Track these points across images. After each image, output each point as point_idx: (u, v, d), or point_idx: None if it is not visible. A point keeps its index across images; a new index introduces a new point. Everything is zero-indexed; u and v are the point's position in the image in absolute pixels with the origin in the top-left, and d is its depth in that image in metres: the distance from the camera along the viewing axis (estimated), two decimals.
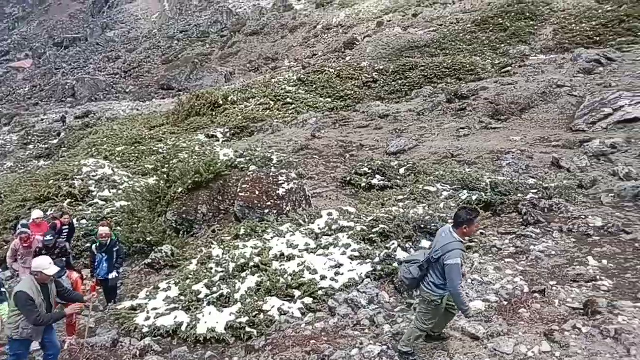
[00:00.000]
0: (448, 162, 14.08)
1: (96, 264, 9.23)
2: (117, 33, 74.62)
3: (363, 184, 12.98)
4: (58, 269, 6.35)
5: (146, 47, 65.03)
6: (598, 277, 7.33)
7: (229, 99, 25.85)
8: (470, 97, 19.27)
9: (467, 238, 5.63)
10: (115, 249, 9.32)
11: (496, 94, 18.70)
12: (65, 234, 10.98)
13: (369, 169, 13.43)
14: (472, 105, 18.63)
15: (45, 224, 10.69)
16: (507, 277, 7.42)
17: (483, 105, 18.44)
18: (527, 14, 28.81)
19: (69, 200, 13.67)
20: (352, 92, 24.92)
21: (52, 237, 8.99)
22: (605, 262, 7.88)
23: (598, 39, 24.17)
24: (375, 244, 8.95)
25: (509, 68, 22.84)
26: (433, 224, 9.14)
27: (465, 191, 11.16)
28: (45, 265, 6.11)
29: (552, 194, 10.91)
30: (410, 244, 8.85)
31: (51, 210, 12.83)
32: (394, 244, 8.81)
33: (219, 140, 20.07)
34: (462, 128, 16.90)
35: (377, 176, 13.16)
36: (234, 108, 24.75)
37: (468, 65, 23.98)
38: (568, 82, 18.17)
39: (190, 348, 7.44)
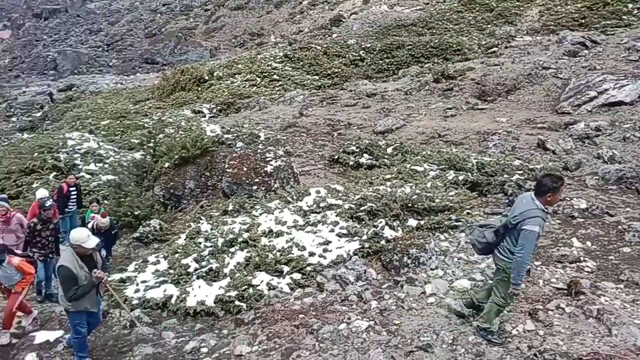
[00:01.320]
0: (435, 142, 14.17)
1: None
2: (98, 5, 72.47)
3: (351, 163, 13.02)
4: (97, 240, 6.23)
5: (128, 20, 63.45)
6: (582, 258, 7.52)
7: (215, 74, 25.51)
8: (457, 77, 19.30)
9: (549, 207, 5.34)
10: (113, 232, 9.84)
11: (482, 74, 18.77)
12: (74, 198, 10.96)
13: (357, 147, 13.46)
14: (458, 86, 18.68)
15: (35, 205, 9.50)
16: None
17: (469, 85, 18.51)
18: None
19: (54, 173, 13.47)
20: (339, 70, 24.75)
21: (50, 203, 8.62)
22: (589, 243, 8.08)
23: (583, 21, 24.25)
24: (362, 222, 9.03)
25: (495, 49, 22.84)
26: (420, 203, 9.26)
27: (452, 171, 11.28)
28: (83, 238, 5.93)
29: (537, 175, 11.08)
30: (398, 222, 8.95)
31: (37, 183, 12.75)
32: (381, 222, 8.91)
33: (205, 116, 19.84)
34: (449, 108, 16.98)
35: (365, 155, 13.20)
36: (220, 84, 24.44)
37: (455, 45, 23.96)
38: (553, 64, 18.29)
39: (179, 320, 7.53)
